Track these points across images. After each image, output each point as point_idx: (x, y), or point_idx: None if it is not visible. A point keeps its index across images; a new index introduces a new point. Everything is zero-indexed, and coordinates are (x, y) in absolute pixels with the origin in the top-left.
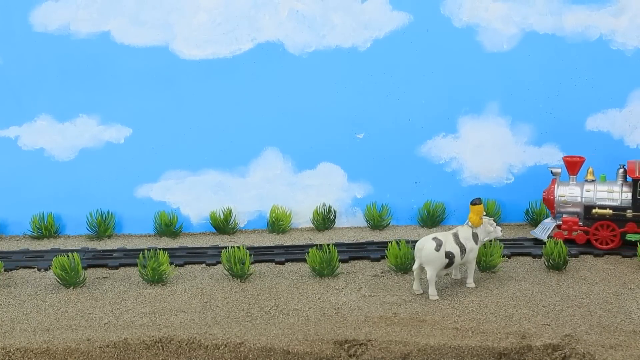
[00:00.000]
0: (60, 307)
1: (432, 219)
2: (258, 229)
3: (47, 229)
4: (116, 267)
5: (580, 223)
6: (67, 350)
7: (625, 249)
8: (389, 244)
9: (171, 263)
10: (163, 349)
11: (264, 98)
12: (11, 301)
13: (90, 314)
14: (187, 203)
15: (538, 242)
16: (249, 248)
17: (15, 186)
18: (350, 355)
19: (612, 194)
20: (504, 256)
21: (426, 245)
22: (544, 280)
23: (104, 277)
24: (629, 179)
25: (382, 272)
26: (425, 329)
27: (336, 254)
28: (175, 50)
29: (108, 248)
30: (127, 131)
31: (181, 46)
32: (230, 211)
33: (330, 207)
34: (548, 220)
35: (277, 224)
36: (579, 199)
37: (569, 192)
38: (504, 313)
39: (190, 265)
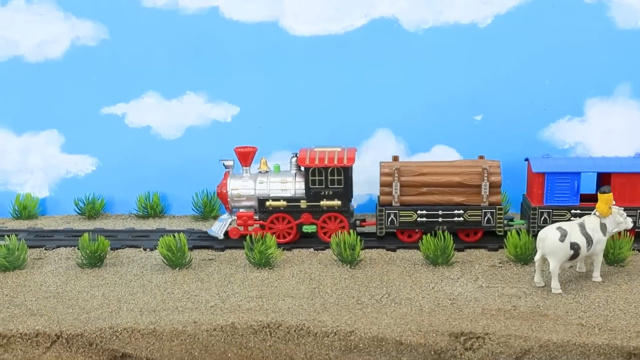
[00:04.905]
0: (166, 287)
1: None
2: (367, 213)
3: (152, 208)
4: (222, 250)
5: (256, 217)
6: (174, 332)
7: None
8: (508, 233)
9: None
10: (271, 334)
11: (376, 77)
12: (117, 280)
13: (196, 296)
14: None
15: None
16: (358, 234)
17: (121, 164)
18: (466, 349)
19: (285, 184)
20: (633, 249)
21: (550, 235)
22: None
23: (209, 259)
24: (302, 168)
25: (500, 263)
26: (547, 324)
27: (451, 241)
28: (285, 27)
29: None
30: (234, 109)
31: (291, 22)
32: None
33: None
34: (225, 215)
35: None
36: (252, 192)
37: (242, 186)
38: (634, 310)
39: (298, 250)
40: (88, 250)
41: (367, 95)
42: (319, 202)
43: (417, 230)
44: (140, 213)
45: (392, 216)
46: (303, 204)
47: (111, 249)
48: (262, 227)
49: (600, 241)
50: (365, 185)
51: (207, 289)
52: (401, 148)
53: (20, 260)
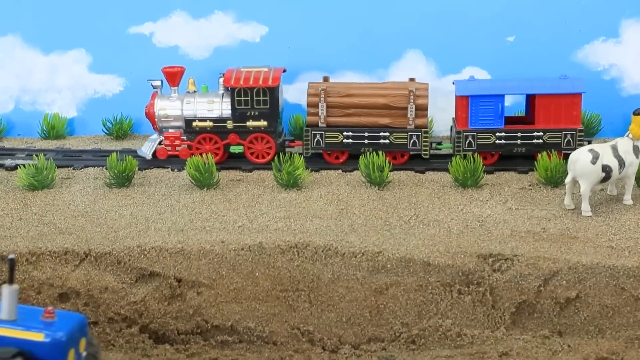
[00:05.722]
0: (194, 208)
1: (587, 130)
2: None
3: None
4: (249, 171)
5: (184, 137)
6: (201, 251)
7: None
8: (539, 155)
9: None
10: (298, 254)
11: None
12: (145, 200)
13: (224, 216)
14: None
15: None
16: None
17: (149, 85)
18: (494, 270)
19: (212, 104)
20: None
21: (581, 158)
22: None
23: (237, 180)
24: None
25: (530, 185)
26: (576, 246)
27: (481, 163)
28: None
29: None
30: (262, 29)
31: None
32: None
33: None
34: (154, 136)
35: None
36: (179, 112)
37: (169, 106)
38: None
39: (325, 171)
40: (116, 170)
41: (397, 15)
42: (245, 122)
43: (343, 151)
44: None
45: (318, 137)
46: (229, 125)
47: (139, 169)
48: (190, 147)
49: (633, 164)
50: None
51: (234, 209)
52: (431, 70)
53: (49, 180)
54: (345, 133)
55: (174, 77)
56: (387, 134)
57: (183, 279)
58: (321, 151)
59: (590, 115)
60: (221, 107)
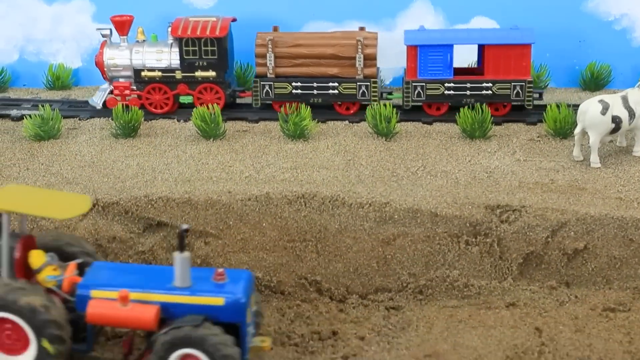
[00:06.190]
0: (200, 158)
1: (596, 81)
2: (400, 86)
3: None
4: (256, 122)
5: (134, 87)
6: (208, 202)
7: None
8: (548, 107)
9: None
10: (305, 204)
11: None
12: (152, 151)
13: (230, 166)
14: None
15: None
16: (395, 106)
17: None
18: (502, 221)
19: (161, 54)
20: None
21: (591, 108)
22: None
23: (243, 131)
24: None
25: (538, 136)
26: (584, 198)
27: (489, 114)
28: None
29: (247, 102)
30: None
31: None
32: None
33: None
34: (105, 85)
35: None
36: (128, 62)
37: (118, 55)
38: None
39: (332, 122)
40: (122, 120)
41: None
42: (194, 72)
43: (292, 102)
44: None
45: (267, 88)
46: (178, 75)
47: (145, 119)
48: (139, 97)
49: None
50: (401, 57)
51: (241, 159)
52: (439, 19)
53: (55, 130)
54: (294, 84)
55: (122, 26)
56: (336, 84)
57: (190, 229)
58: (270, 102)
59: (600, 66)
60: (170, 57)
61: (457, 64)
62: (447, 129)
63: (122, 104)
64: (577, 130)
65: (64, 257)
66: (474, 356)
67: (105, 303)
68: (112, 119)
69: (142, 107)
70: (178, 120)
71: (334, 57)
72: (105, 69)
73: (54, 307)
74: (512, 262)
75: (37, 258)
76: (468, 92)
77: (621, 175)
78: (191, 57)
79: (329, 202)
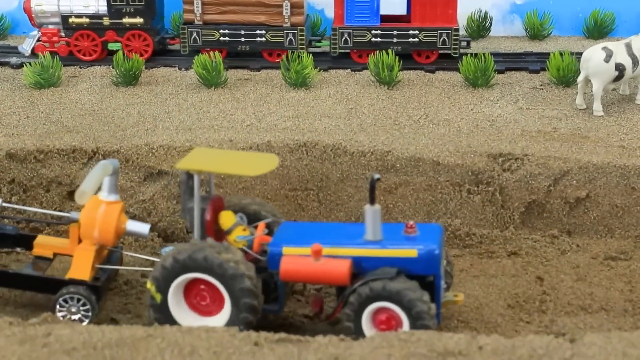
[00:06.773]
0: (201, 106)
1: (600, 29)
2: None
3: None
4: (257, 70)
5: (62, 34)
6: None
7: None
8: (551, 55)
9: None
10: (307, 153)
11: None
12: (153, 99)
13: (232, 115)
14: None
15: None
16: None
17: None
18: (504, 170)
19: (88, 1)
20: None
21: (594, 56)
22: None
23: (245, 79)
24: None
25: (541, 85)
26: (587, 146)
27: (492, 63)
28: None
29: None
30: None
31: None
32: None
33: (486, 13)
34: (34, 32)
35: None
36: (56, 8)
37: (46, 1)
38: None
39: (334, 70)
40: (122, 68)
41: None
42: (122, 19)
43: (220, 49)
44: (175, 33)
45: (195, 35)
46: (106, 21)
47: (145, 68)
48: (68, 44)
49: None
50: None
51: (242, 108)
52: None
53: (55, 78)
54: (221, 31)
55: None
56: (264, 32)
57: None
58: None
59: (604, 14)
60: (97, 3)
61: (386, 11)
62: (450, 78)
63: (49, 52)
64: (580, 78)
65: (248, 218)
66: (475, 305)
67: (298, 259)
68: (113, 67)
69: (70, 54)
70: (179, 68)
71: (262, 5)
72: (33, 15)
73: (248, 266)
74: (514, 211)
75: (227, 219)
76: (395, 40)
77: (624, 124)
78: (118, 3)
79: (331, 150)
